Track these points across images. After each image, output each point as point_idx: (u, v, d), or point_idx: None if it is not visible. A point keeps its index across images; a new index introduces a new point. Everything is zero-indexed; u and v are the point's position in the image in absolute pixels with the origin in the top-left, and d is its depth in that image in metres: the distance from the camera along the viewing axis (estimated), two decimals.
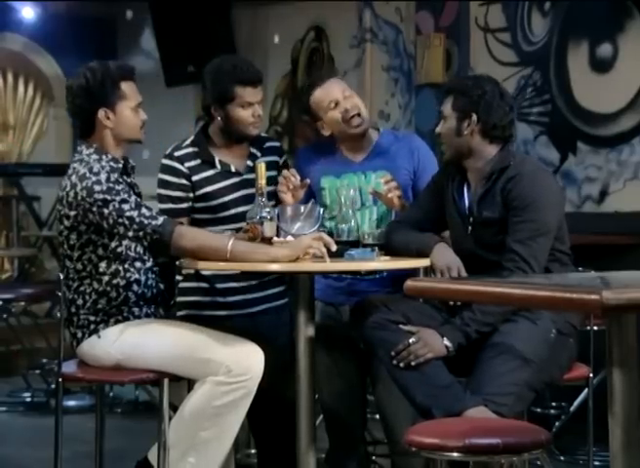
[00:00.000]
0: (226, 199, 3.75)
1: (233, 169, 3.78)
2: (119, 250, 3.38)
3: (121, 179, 3.36)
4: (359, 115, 3.73)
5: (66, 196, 3.33)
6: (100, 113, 3.41)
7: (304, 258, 3.23)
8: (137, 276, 3.42)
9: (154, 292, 3.48)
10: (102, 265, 3.38)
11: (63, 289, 3.43)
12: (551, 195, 3.33)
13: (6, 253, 8.33)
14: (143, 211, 3.27)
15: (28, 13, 8.58)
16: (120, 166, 3.42)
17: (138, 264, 3.42)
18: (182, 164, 3.72)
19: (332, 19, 7.14)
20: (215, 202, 3.75)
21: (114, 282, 3.39)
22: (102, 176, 3.29)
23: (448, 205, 3.48)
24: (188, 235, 3.28)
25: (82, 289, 3.39)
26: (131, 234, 3.27)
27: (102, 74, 3.40)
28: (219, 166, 3.76)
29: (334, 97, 3.74)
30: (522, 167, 3.33)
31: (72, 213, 3.33)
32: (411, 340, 3.20)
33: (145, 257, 3.45)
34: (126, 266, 3.40)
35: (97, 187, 3.27)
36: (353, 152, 3.81)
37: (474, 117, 3.36)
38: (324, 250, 3.22)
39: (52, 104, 9.11)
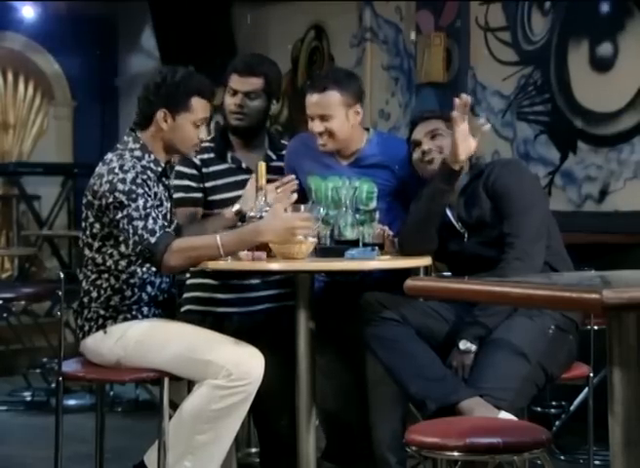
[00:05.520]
0: (229, 195, 3.76)
1: (244, 165, 3.82)
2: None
3: (150, 182, 3.34)
4: (329, 136, 3.62)
5: (94, 184, 3.34)
6: (160, 113, 3.39)
7: (293, 238, 3.23)
8: (152, 278, 3.43)
9: (165, 297, 3.49)
10: (123, 263, 3.39)
11: (80, 276, 3.44)
12: (531, 178, 3.56)
13: (6, 252, 8.32)
14: (149, 222, 3.26)
15: (29, 12, 8.58)
16: (159, 170, 3.41)
17: (154, 268, 3.41)
18: (195, 155, 3.78)
19: (332, 19, 7.14)
20: (217, 197, 3.78)
21: (131, 281, 3.40)
22: (129, 176, 3.28)
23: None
24: (178, 252, 3.24)
25: (99, 282, 3.40)
26: (130, 243, 3.27)
27: (181, 79, 3.39)
28: (230, 160, 3.82)
29: (310, 112, 3.65)
30: (494, 162, 3.58)
31: (96, 202, 3.34)
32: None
33: None
34: (144, 269, 3.41)
35: (120, 186, 3.27)
36: (339, 155, 3.76)
37: None
38: (307, 228, 3.24)
39: (52, 103, 9.10)
